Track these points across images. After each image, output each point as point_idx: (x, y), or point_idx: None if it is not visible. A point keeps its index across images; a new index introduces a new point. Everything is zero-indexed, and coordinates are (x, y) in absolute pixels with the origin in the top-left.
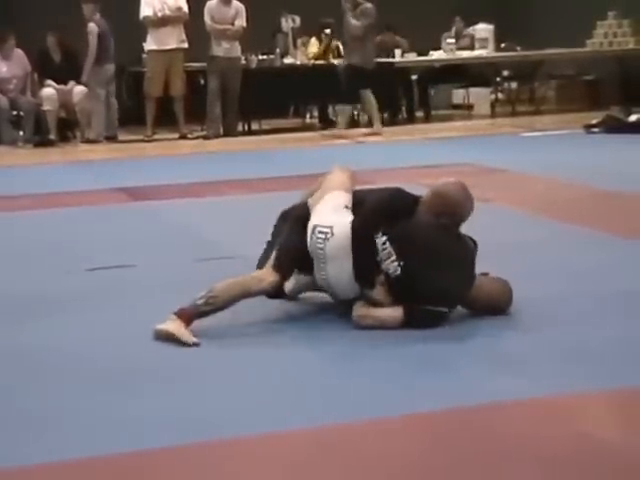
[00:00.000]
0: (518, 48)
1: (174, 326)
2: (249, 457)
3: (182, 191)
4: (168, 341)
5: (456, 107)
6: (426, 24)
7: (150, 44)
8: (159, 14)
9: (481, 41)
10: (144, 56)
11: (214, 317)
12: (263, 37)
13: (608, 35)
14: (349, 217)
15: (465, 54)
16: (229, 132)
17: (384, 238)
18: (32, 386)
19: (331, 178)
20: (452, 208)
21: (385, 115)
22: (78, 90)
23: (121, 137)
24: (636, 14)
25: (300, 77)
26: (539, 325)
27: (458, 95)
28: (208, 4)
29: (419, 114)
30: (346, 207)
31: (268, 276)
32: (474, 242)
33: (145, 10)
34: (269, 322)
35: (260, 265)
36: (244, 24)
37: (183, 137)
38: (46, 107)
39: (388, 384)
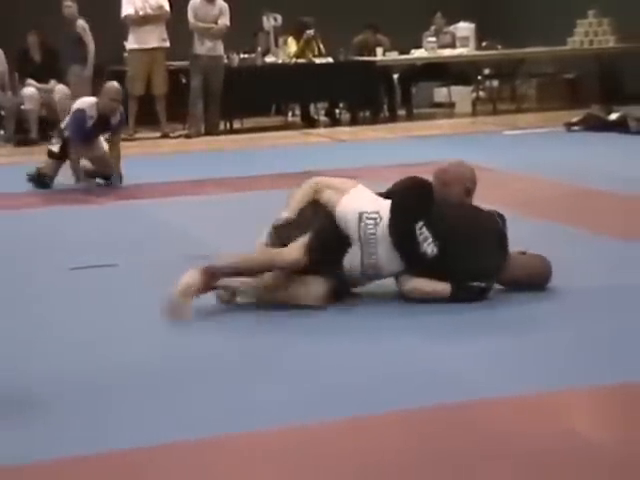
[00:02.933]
0: (499, 46)
1: (188, 279)
2: (235, 455)
3: (164, 190)
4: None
5: (438, 105)
6: (407, 22)
7: (131, 43)
8: (140, 12)
9: (462, 39)
10: (125, 55)
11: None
12: (245, 36)
13: (589, 34)
14: (388, 202)
15: (446, 52)
16: (211, 131)
17: (420, 224)
18: (18, 386)
19: (330, 182)
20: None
21: (367, 114)
22: (59, 89)
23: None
24: (616, 13)
25: (282, 76)
26: (522, 322)
27: (440, 93)
28: (192, 2)
29: (401, 112)
30: (380, 195)
31: (296, 254)
32: (502, 217)
33: (126, 9)
34: (255, 319)
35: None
36: (228, 23)
37: (165, 136)
38: (27, 106)
39: (372, 381)
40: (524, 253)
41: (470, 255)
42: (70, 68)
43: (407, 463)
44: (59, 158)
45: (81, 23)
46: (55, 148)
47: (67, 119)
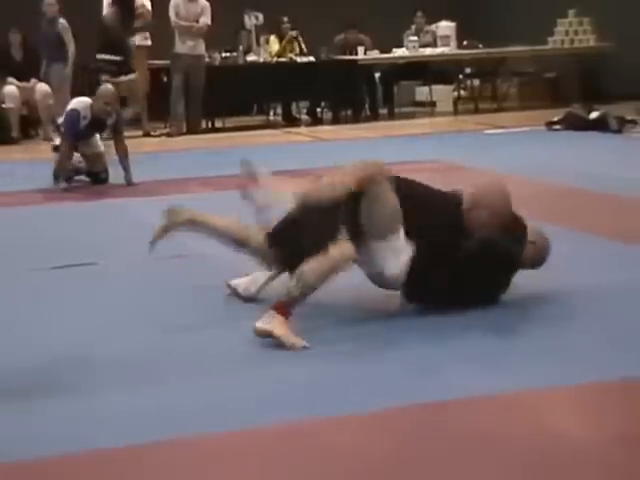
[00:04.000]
0: (480, 46)
1: (277, 327)
2: (218, 453)
3: (146, 189)
4: (271, 340)
5: (419, 104)
6: (388, 22)
7: None
8: None
9: (443, 38)
10: None
11: (170, 310)
12: (226, 34)
13: (569, 33)
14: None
15: (428, 51)
16: (193, 130)
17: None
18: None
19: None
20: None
21: (348, 113)
22: (40, 88)
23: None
24: (596, 12)
25: (263, 74)
26: (507, 321)
27: (421, 92)
28: (173, 1)
29: (382, 111)
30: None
31: (352, 251)
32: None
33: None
34: (239, 314)
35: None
36: (209, 21)
37: (146, 135)
38: (8, 105)
39: (357, 382)
40: (534, 243)
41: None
42: (51, 67)
43: (388, 463)
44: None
45: (62, 22)
46: (57, 141)
47: (63, 115)
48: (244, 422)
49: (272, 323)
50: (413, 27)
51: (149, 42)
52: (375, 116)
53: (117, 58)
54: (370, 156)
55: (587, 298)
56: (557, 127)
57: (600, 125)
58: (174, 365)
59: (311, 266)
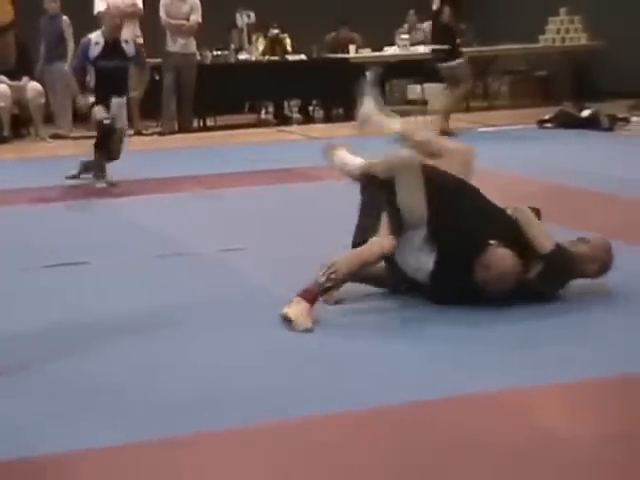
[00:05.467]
0: (472, 44)
1: (295, 311)
2: (203, 453)
3: (137, 187)
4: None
5: (411, 103)
6: (380, 20)
7: None
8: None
9: None
10: None
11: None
12: (218, 33)
13: (560, 31)
14: None
15: (419, 49)
16: (184, 128)
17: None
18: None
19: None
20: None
21: (340, 111)
22: (32, 87)
23: (75, 134)
24: (587, 10)
25: (255, 73)
26: (498, 319)
27: (413, 91)
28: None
29: None
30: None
31: (386, 242)
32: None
33: (99, 5)
34: (232, 313)
35: (359, 239)
36: (199, 20)
37: (138, 133)
38: None
39: (342, 380)
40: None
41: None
42: (52, 66)
43: (374, 462)
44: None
45: (65, 19)
46: (91, 99)
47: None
48: (239, 419)
49: (292, 307)
50: (406, 25)
51: (141, 40)
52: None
53: None
54: (362, 154)
55: (576, 296)
56: (548, 125)
57: (591, 123)
58: (165, 364)
59: (345, 257)
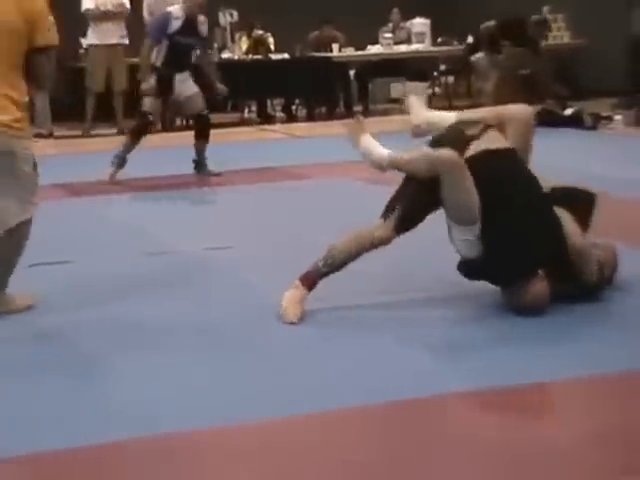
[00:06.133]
0: (455, 42)
1: (288, 298)
2: (197, 452)
3: (122, 187)
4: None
5: (394, 101)
6: (363, 18)
7: (91, 38)
8: (101, 8)
9: (418, 35)
10: (81, 52)
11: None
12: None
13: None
14: None
15: (403, 48)
16: (167, 127)
17: None
18: None
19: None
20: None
21: (323, 110)
22: None
23: (58, 133)
24: (570, 9)
25: (238, 72)
26: (480, 317)
27: (396, 89)
28: (146, 0)
29: (357, 108)
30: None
31: (385, 232)
32: None
33: (87, 3)
34: (216, 310)
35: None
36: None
37: (121, 132)
38: None
39: (332, 377)
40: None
41: None
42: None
43: (362, 461)
44: (157, 96)
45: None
46: (152, 82)
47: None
48: (227, 419)
49: (289, 293)
50: (390, 24)
51: (126, 41)
52: (350, 113)
53: None
54: (345, 153)
55: (570, 295)
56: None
57: (575, 121)
58: (153, 363)
59: (344, 242)
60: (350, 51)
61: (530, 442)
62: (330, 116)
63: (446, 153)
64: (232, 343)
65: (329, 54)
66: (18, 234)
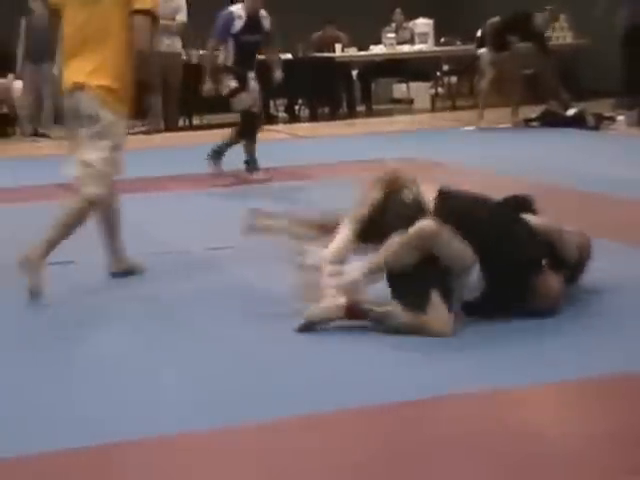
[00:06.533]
0: (458, 42)
1: (326, 304)
2: (188, 454)
3: (123, 186)
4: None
5: (397, 102)
6: (367, 18)
7: None
8: None
9: (421, 35)
10: None
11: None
12: (203, 32)
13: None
14: None
15: (406, 48)
16: (170, 127)
17: None
18: None
19: None
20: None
21: (326, 110)
22: (18, 85)
23: (61, 133)
24: (573, 9)
25: None
26: (477, 318)
27: (399, 89)
28: None
29: (360, 109)
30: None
31: (448, 324)
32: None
33: None
34: (220, 310)
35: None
36: (185, 19)
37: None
38: None
39: (328, 379)
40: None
41: None
42: (40, 66)
43: (366, 462)
44: (243, 90)
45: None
46: (233, 84)
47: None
48: (226, 419)
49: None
50: (393, 24)
51: None
52: (352, 113)
53: None
54: (347, 153)
55: (570, 295)
56: (534, 124)
57: (577, 122)
58: (158, 362)
59: (400, 315)
60: (353, 51)
61: (534, 442)
62: (333, 116)
63: (422, 225)
64: (232, 343)
65: (332, 54)
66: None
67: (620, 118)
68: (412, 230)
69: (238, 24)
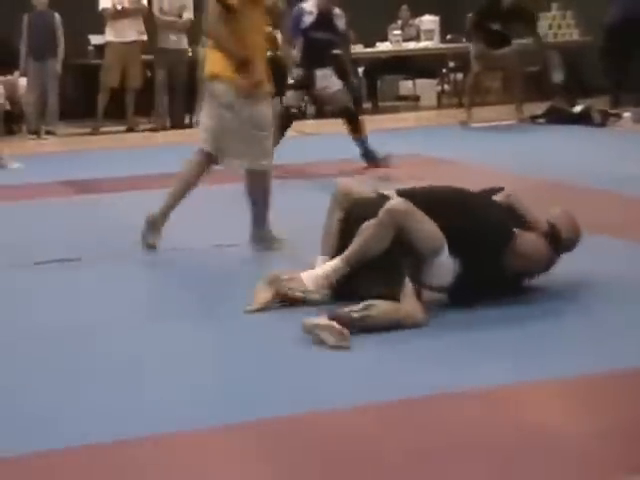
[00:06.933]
0: (464, 39)
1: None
2: (191, 452)
3: (130, 184)
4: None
5: (403, 99)
6: (373, 15)
7: (109, 35)
8: (118, 6)
9: (427, 32)
10: (90, 49)
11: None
12: None
13: (552, 26)
14: None
15: (411, 45)
16: (177, 125)
17: None
18: None
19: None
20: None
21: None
22: (24, 83)
23: (67, 130)
24: (579, 6)
25: None
26: (491, 315)
27: (405, 87)
28: None
29: (366, 106)
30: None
31: (422, 313)
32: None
33: (103, 2)
34: (223, 308)
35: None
36: (192, 16)
37: (130, 130)
38: None
39: (335, 375)
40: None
41: None
42: (44, 62)
43: (381, 456)
44: (297, 88)
45: (58, 17)
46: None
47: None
48: (227, 417)
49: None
50: (399, 22)
51: (145, 37)
52: (359, 110)
53: None
54: (354, 150)
55: (570, 292)
56: (541, 121)
57: (583, 119)
58: (158, 360)
59: (385, 309)
60: (359, 48)
61: (534, 440)
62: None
63: (395, 203)
64: (232, 343)
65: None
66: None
67: (626, 115)
68: (383, 210)
69: (307, 20)
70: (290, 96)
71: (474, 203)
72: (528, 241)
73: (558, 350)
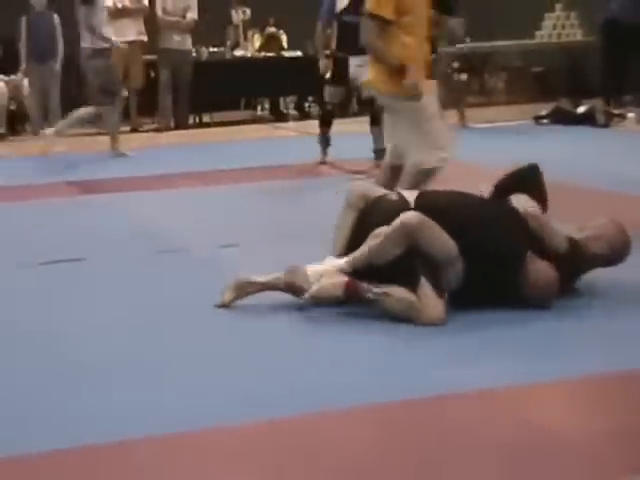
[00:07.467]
0: (467, 40)
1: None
2: (195, 452)
3: (134, 184)
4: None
5: None
6: None
7: (110, 35)
8: (119, 5)
9: None
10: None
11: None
12: (214, 29)
13: (556, 27)
14: None
15: None
16: (180, 125)
17: None
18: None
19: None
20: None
21: None
22: (28, 83)
23: (71, 131)
24: (583, 6)
25: (251, 69)
26: (495, 315)
27: None
28: None
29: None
30: None
31: (439, 313)
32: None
33: (105, 1)
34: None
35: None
36: (195, 17)
37: (134, 130)
38: None
39: (337, 376)
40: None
41: None
42: (45, 64)
43: (383, 456)
44: (336, 83)
45: (57, 18)
46: (328, 73)
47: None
48: (230, 418)
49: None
50: None
51: (145, 37)
52: (362, 110)
53: None
54: (357, 150)
55: (574, 292)
56: (545, 121)
57: (588, 119)
58: (163, 361)
59: (403, 298)
60: None
61: (537, 440)
62: (343, 114)
63: (408, 217)
64: (231, 342)
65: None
66: None
67: (630, 115)
68: (396, 223)
69: (341, 3)
70: (328, 91)
71: (492, 218)
72: (539, 271)
73: (559, 350)
